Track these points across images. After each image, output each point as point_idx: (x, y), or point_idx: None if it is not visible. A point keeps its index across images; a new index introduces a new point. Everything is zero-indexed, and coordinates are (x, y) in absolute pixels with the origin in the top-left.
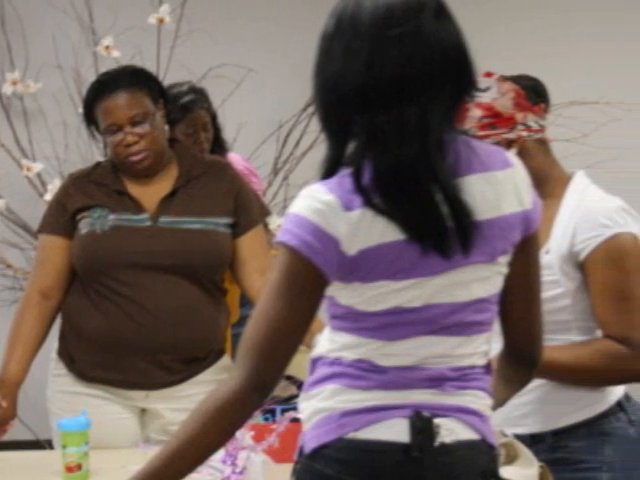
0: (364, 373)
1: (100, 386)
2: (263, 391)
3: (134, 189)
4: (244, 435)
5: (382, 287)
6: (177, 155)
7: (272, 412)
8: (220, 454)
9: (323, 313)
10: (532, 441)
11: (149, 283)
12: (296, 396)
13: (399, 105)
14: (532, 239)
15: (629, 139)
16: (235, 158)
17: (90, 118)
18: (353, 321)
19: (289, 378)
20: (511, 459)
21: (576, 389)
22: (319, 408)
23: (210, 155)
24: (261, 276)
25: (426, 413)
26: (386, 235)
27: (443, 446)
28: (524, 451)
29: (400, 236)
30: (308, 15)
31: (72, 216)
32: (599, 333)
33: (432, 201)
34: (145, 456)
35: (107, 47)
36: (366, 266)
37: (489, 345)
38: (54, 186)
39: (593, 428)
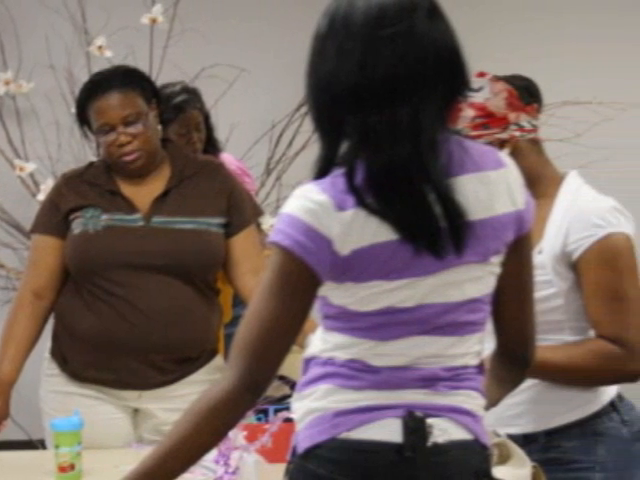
0: (357, 373)
1: (93, 386)
2: (256, 391)
3: (127, 189)
4: (237, 435)
5: (375, 287)
6: (170, 155)
7: (265, 412)
8: (213, 454)
9: (316, 313)
10: (525, 441)
11: (142, 283)
12: (289, 396)
13: (392, 105)
14: (525, 239)
15: (622, 139)
16: (228, 158)
17: (83, 118)
18: (346, 321)
19: (282, 378)
20: (504, 459)
21: (569, 389)
22: (312, 408)
23: (203, 155)
24: (254, 276)
25: (419, 413)
26: (379, 235)
27: (436, 446)
28: (517, 451)
29: (393, 236)
30: (301, 15)
31: (65, 216)
32: (592, 333)
33: (425, 201)
34: (138, 456)
35: (100, 47)
36: (359, 266)
37: (482, 345)
38: (47, 186)
39: (586, 428)
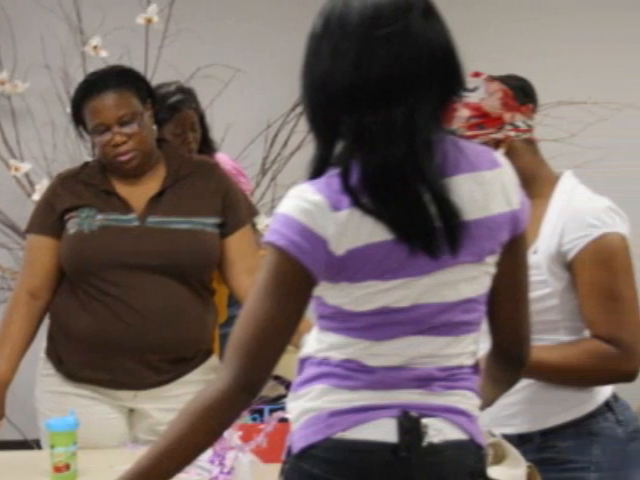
0: (352, 373)
1: (88, 386)
2: (251, 391)
3: (122, 189)
4: (232, 435)
5: (370, 287)
6: (165, 155)
7: (260, 412)
8: (208, 454)
9: (311, 313)
10: (520, 441)
11: (137, 283)
12: (284, 396)
13: (387, 105)
14: (520, 239)
15: (617, 139)
16: (223, 158)
17: (78, 118)
18: (341, 321)
19: (277, 378)
20: (499, 459)
21: (564, 389)
22: (307, 408)
23: (198, 155)
24: (249, 276)
25: (414, 413)
26: (374, 235)
27: (431, 446)
28: (512, 451)
29: (388, 236)
30: (296, 15)
31: (60, 216)
32: (587, 333)
33: (420, 201)
34: (133, 456)
35: (95, 47)
36: (354, 266)
37: (477, 345)
38: (42, 186)
39: (581, 428)
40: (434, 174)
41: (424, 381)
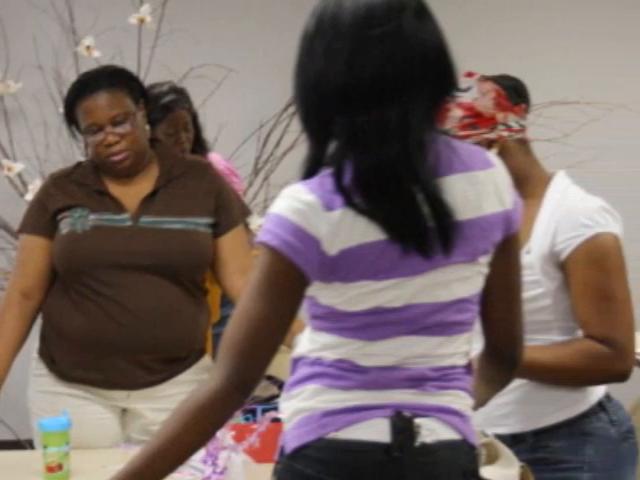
0: (345, 373)
1: (81, 386)
2: (244, 391)
3: (115, 189)
4: (225, 435)
5: (363, 287)
6: (158, 155)
7: (253, 412)
8: (201, 454)
9: (304, 313)
10: (513, 441)
11: (130, 283)
12: (277, 396)
13: (380, 105)
14: (513, 239)
15: (610, 139)
16: (216, 158)
17: (71, 118)
18: (334, 321)
19: (270, 378)
20: (492, 459)
21: (557, 389)
22: (300, 408)
23: (191, 155)
24: (242, 276)
25: (407, 413)
26: (367, 235)
27: (424, 446)
28: (505, 451)
29: (381, 236)
30: (289, 15)
31: (53, 216)
32: (580, 333)
33: (413, 201)
34: (126, 456)
35: (88, 47)
36: (347, 266)
37: (470, 345)
38: (35, 186)
39: (574, 428)
40: (427, 174)
41: (417, 381)
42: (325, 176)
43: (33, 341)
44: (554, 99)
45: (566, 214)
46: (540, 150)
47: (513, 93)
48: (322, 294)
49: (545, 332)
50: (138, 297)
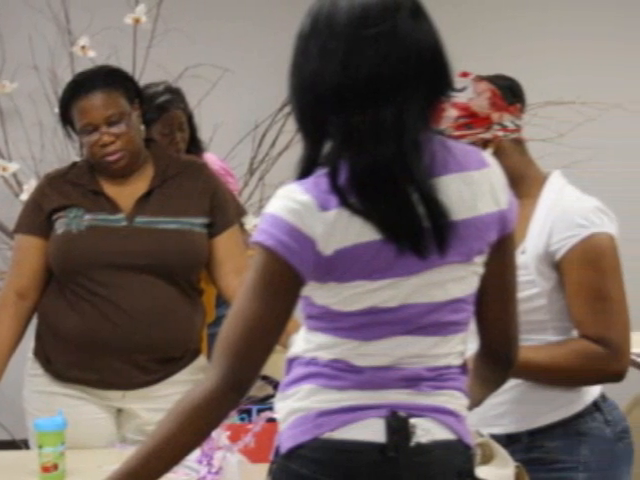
0: (340, 373)
1: (76, 386)
2: (239, 391)
3: (110, 189)
4: (220, 435)
5: (358, 287)
6: (153, 155)
7: (248, 412)
8: (196, 454)
9: (299, 313)
10: (508, 441)
11: (125, 283)
12: (272, 396)
13: (375, 105)
14: (508, 239)
15: (605, 139)
16: (211, 158)
17: (66, 118)
18: (329, 321)
19: (265, 378)
20: (487, 459)
21: (552, 389)
22: (295, 408)
23: (186, 155)
24: (237, 276)
25: (402, 413)
26: (362, 235)
27: (419, 446)
28: (500, 451)
29: (376, 236)
30: (284, 15)
31: (48, 216)
32: (575, 333)
33: (408, 201)
34: (121, 456)
35: (83, 47)
36: (342, 266)
37: (465, 345)
38: (30, 186)
39: (569, 428)
40: (422, 174)
41: (412, 381)
42: (320, 176)
43: (29, 341)
44: (549, 99)
45: (561, 214)
46: (535, 150)
47: (508, 93)
48: (317, 294)
49: (540, 332)
50: (133, 297)
